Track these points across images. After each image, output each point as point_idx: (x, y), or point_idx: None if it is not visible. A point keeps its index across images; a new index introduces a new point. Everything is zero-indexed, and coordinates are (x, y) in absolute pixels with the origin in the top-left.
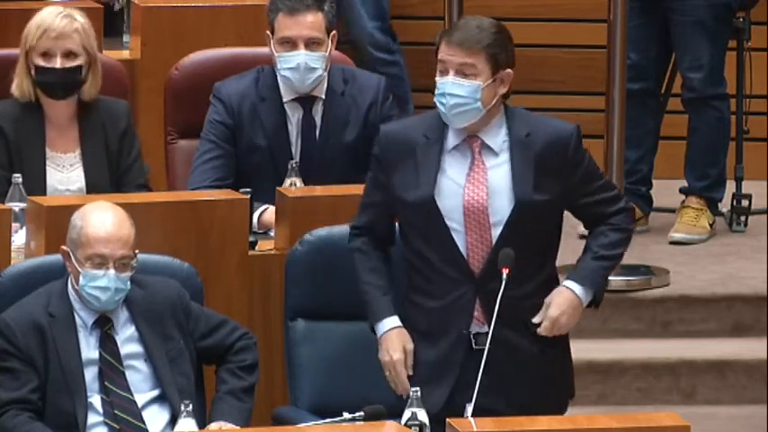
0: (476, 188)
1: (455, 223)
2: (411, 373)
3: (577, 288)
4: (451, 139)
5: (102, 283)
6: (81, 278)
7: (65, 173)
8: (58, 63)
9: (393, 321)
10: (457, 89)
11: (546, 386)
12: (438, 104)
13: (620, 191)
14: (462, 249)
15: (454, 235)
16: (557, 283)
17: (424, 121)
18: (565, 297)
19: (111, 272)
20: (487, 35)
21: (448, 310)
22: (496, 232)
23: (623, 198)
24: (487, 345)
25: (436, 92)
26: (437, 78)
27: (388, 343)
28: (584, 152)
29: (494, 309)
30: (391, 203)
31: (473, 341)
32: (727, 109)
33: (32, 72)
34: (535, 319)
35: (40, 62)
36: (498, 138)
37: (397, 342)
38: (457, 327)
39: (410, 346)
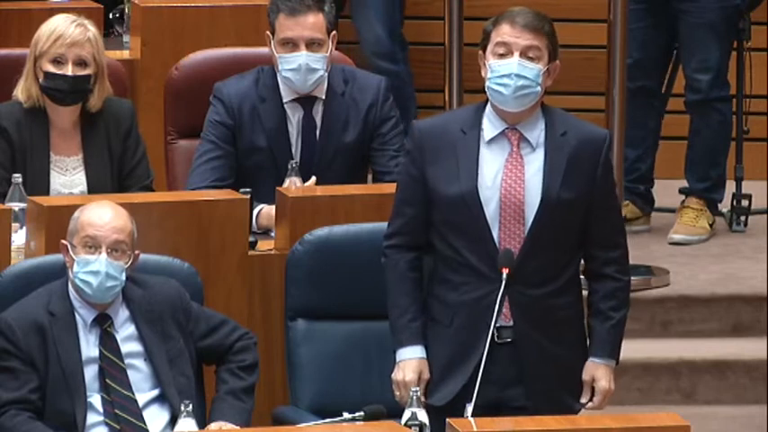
0: (513, 182)
1: (490, 217)
2: (424, 399)
3: (609, 361)
4: (488, 131)
5: (93, 268)
6: (75, 265)
7: (68, 176)
8: (69, 70)
9: (417, 351)
10: (524, 71)
11: (566, 388)
12: (497, 87)
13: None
14: (496, 244)
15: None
16: (579, 284)
17: (458, 116)
18: (604, 370)
19: (103, 256)
20: (547, 22)
21: (476, 305)
22: (527, 228)
23: (626, 236)
24: (488, 342)
25: (492, 74)
26: (493, 61)
27: (406, 365)
28: (611, 162)
29: (522, 305)
30: (427, 199)
31: (495, 334)
32: (730, 111)
33: (40, 78)
34: (583, 399)
35: (50, 68)
36: (535, 132)
37: (416, 367)
38: (483, 319)
39: (426, 375)
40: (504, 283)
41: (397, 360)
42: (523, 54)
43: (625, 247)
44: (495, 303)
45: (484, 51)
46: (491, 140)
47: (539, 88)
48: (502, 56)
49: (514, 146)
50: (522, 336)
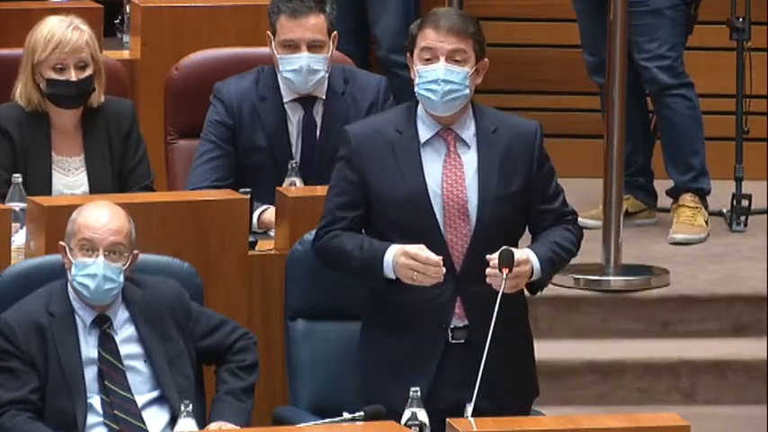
0: (455, 182)
1: (438, 217)
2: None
3: (537, 266)
4: (423, 133)
5: (90, 271)
6: (73, 268)
7: (70, 176)
8: (73, 76)
9: (391, 250)
10: (451, 75)
11: (510, 385)
12: (425, 93)
13: (576, 213)
14: (446, 243)
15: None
16: None
17: (391, 117)
18: (528, 267)
19: (100, 258)
20: (472, 23)
21: (427, 306)
22: (472, 227)
23: (577, 217)
24: (488, 342)
25: (420, 80)
26: (420, 67)
27: (396, 259)
28: (546, 151)
29: (475, 303)
30: (366, 202)
31: (450, 335)
32: (696, 97)
33: (42, 85)
34: (492, 255)
35: (53, 75)
36: (470, 131)
37: (398, 251)
38: (436, 322)
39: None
40: (504, 283)
41: (389, 263)
42: (449, 58)
43: (575, 217)
44: (451, 302)
45: (411, 55)
46: (426, 142)
47: (467, 91)
48: (428, 61)
49: (451, 146)
50: (477, 335)
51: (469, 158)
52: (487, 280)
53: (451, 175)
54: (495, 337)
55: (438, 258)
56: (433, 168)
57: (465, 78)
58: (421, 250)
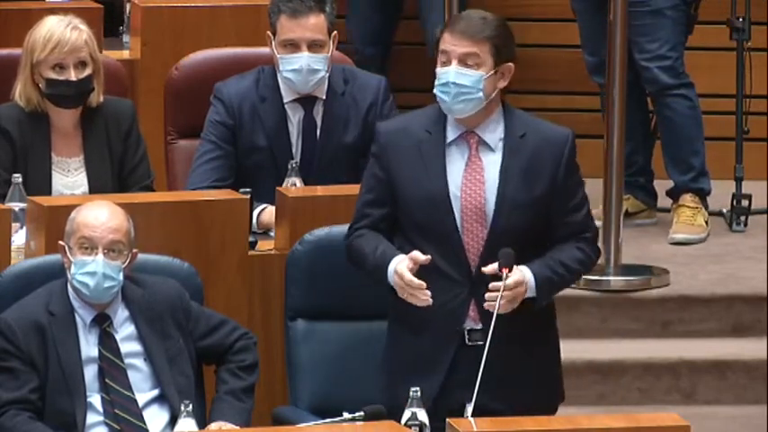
0: (473, 185)
1: (457, 219)
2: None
3: (532, 284)
4: (450, 134)
5: (90, 269)
6: (72, 267)
7: (70, 177)
8: (72, 75)
9: (394, 261)
10: (461, 78)
11: (535, 388)
12: (440, 94)
13: (596, 231)
14: (463, 247)
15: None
16: None
17: (423, 116)
18: (527, 284)
19: (100, 257)
20: (491, 26)
21: (442, 308)
22: (488, 231)
23: (596, 236)
24: (488, 343)
25: (437, 82)
26: (438, 69)
27: (396, 269)
28: (577, 163)
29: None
30: (394, 200)
31: (466, 337)
32: (696, 97)
33: (41, 84)
34: (488, 269)
35: (52, 75)
36: (495, 134)
37: (403, 263)
38: (451, 324)
39: (409, 257)
40: (498, 303)
41: (391, 273)
42: (461, 62)
43: (594, 235)
44: (466, 305)
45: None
46: (450, 144)
47: (480, 94)
48: (444, 63)
49: (473, 149)
50: (492, 338)
51: (492, 162)
52: (485, 305)
53: (471, 179)
54: (517, 338)
55: (419, 283)
56: (455, 170)
57: (478, 82)
58: (406, 271)
